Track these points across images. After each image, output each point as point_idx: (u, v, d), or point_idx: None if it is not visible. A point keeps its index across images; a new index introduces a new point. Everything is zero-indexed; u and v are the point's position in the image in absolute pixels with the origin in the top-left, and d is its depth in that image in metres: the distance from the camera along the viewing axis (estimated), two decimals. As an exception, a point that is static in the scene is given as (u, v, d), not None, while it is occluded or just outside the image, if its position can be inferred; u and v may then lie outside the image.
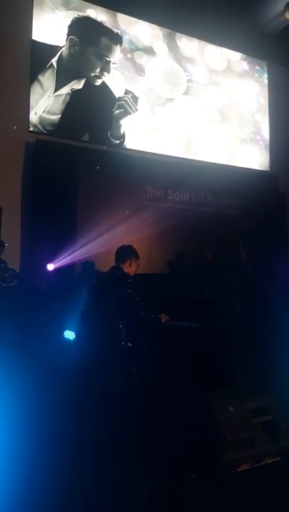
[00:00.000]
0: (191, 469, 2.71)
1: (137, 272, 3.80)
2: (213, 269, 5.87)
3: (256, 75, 9.13)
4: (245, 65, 8.98)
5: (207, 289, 5.23)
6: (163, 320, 3.63)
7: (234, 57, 8.83)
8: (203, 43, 8.39)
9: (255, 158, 8.89)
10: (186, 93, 8.06)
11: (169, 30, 7.98)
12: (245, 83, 8.91)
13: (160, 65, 7.85)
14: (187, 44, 8.20)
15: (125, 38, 7.49)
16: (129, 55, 7.52)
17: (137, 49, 7.62)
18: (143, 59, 7.66)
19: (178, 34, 8.10)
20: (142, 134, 7.49)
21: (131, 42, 7.57)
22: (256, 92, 9.06)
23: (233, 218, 7.09)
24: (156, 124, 7.67)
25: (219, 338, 3.59)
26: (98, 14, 7.28)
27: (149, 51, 7.74)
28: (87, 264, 5.62)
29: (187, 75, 8.11)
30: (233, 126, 8.60)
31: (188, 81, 8.11)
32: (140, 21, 7.70)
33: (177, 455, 2.88)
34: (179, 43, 8.11)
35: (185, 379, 3.45)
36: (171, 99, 7.90)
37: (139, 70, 7.61)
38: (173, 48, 8.03)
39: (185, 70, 8.10)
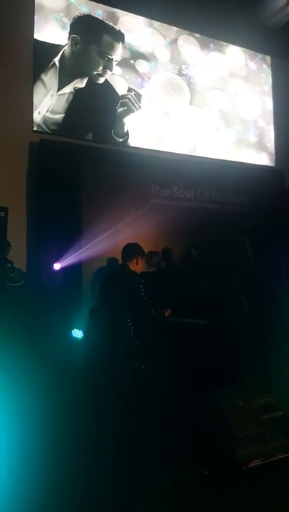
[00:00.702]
0: (203, 465, 2.72)
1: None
2: (199, 266, 5.84)
3: (263, 74, 9.07)
4: (252, 65, 8.91)
5: (196, 286, 5.26)
6: (166, 314, 3.68)
7: (239, 61, 8.76)
8: (206, 48, 8.32)
9: (262, 157, 8.86)
10: (189, 96, 7.99)
11: (171, 37, 7.91)
12: (250, 86, 8.83)
13: (162, 71, 7.77)
14: (190, 49, 8.12)
15: (126, 42, 7.41)
16: (131, 61, 7.46)
17: (139, 55, 7.53)
18: (144, 66, 7.57)
19: (180, 40, 8.00)
20: (146, 138, 7.44)
21: (132, 47, 7.49)
22: (262, 92, 9.00)
23: (238, 214, 7.06)
24: (159, 130, 7.60)
25: (227, 335, 3.59)
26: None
27: (151, 57, 7.66)
28: (94, 263, 5.62)
29: (190, 80, 8.03)
30: (237, 131, 8.52)
31: (192, 85, 8.04)
32: (142, 26, 7.64)
33: (189, 452, 2.89)
34: (180, 48, 8.01)
35: (195, 376, 3.45)
36: (175, 105, 7.81)
37: (143, 76, 7.54)
38: (175, 54, 7.95)
39: (188, 75, 8.02)
